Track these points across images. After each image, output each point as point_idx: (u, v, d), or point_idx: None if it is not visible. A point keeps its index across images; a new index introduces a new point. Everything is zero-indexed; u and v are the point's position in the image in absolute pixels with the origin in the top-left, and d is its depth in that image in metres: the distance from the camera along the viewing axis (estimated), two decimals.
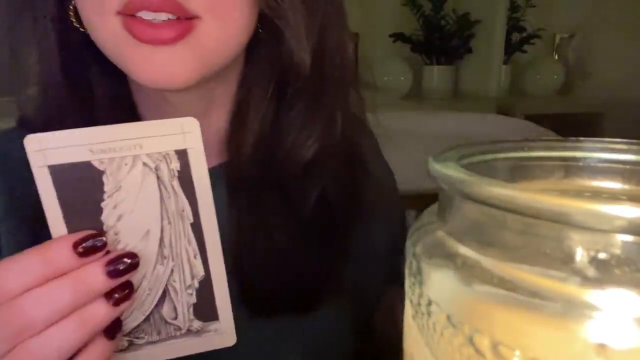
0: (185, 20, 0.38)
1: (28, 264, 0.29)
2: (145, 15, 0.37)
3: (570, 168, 0.22)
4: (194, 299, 0.33)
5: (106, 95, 0.46)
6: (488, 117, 1.70)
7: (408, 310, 0.19)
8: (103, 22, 0.38)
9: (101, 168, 0.30)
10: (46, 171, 0.30)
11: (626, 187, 0.22)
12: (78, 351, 0.30)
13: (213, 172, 0.35)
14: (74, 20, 0.43)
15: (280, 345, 0.49)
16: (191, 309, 0.34)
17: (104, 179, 0.31)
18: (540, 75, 2.15)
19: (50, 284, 0.29)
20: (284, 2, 0.42)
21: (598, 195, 0.22)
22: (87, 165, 0.30)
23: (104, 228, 0.31)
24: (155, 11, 0.37)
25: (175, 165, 0.31)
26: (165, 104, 0.46)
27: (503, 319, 0.15)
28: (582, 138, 0.23)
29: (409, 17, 2.01)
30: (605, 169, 0.22)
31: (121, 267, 0.30)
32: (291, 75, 0.46)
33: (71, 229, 0.31)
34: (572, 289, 0.14)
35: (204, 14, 0.38)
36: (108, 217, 0.31)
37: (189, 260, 0.33)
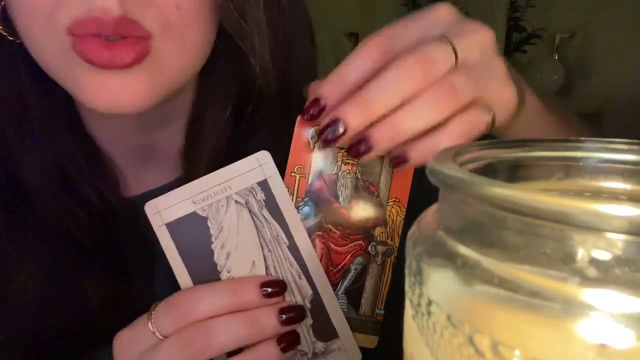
0: (141, 40, 0.35)
1: (220, 293, 0.32)
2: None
3: (571, 168, 0.22)
4: (310, 320, 0.35)
5: (45, 108, 0.43)
6: None
7: (408, 310, 0.19)
8: (50, 40, 0.35)
9: (204, 215, 0.34)
10: (164, 229, 0.34)
11: (626, 187, 0.22)
12: None
13: (168, 189, 0.35)
14: (0, 27, 0.39)
15: None
16: (310, 331, 0.35)
17: (209, 223, 0.34)
18: (540, 75, 2.15)
19: (232, 315, 0.32)
20: (247, 23, 0.38)
21: (598, 195, 0.22)
22: (194, 215, 0.34)
23: (218, 269, 0.34)
24: (110, 35, 0.34)
25: (261, 195, 0.34)
26: (116, 119, 0.43)
27: (503, 319, 0.15)
28: (582, 138, 0.22)
29: None
30: (605, 169, 0.22)
31: (290, 316, 0.33)
32: (253, 99, 0.43)
33: (193, 276, 0.34)
34: (572, 289, 0.14)
35: (157, 32, 0.35)
36: (219, 258, 0.34)
37: (295, 281, 0.35)
